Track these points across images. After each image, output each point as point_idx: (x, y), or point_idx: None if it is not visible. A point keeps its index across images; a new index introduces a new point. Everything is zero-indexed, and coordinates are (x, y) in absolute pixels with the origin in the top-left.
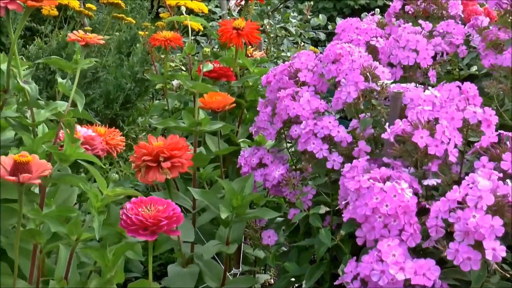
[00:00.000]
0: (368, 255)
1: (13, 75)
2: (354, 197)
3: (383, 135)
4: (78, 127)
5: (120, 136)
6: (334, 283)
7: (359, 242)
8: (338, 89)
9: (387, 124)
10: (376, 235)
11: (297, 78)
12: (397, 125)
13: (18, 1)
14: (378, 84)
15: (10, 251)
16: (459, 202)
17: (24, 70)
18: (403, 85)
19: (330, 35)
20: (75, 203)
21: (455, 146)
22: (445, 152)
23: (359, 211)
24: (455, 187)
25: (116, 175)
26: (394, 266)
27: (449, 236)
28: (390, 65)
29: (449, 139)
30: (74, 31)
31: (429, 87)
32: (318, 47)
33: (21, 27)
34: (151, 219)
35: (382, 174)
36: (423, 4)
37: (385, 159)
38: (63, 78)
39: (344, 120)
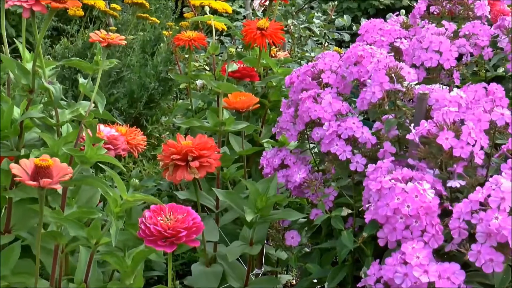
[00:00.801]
0: (391, 257)
1: (38, 75)
2: (376, 197)
3: (408, 136)
4: (101, 126)
5: (142, 135)
6: (357, 286)
7: (381, 243)
8: (363, 89)
9: (412, 124)
10: (398, 236)
11: (320, 79)
12: (422, 126)
13: (42, 2)
14: (403, 85)
15: (35, 249)
16: (481, 204)
17: (50, 70)
18: (428, 86)
19: (354, 36)
20: (100, 201)
21: (481, 148)
22: (470, 154)
23: (380, 211)
24: (478, 188)
25: (137, 181)
26: (418, 269)
27: (472, 239)
28: (413, 66)
29: (475, 141)
30: (96, 31)
31: (454, 88)
32: (342, 48)
33: (45, 27)
34: (170, 229)
35: (404, 175)
36: (449, 4)
37: (410, 161)
38: (86, 78)
39: (366, 121)
